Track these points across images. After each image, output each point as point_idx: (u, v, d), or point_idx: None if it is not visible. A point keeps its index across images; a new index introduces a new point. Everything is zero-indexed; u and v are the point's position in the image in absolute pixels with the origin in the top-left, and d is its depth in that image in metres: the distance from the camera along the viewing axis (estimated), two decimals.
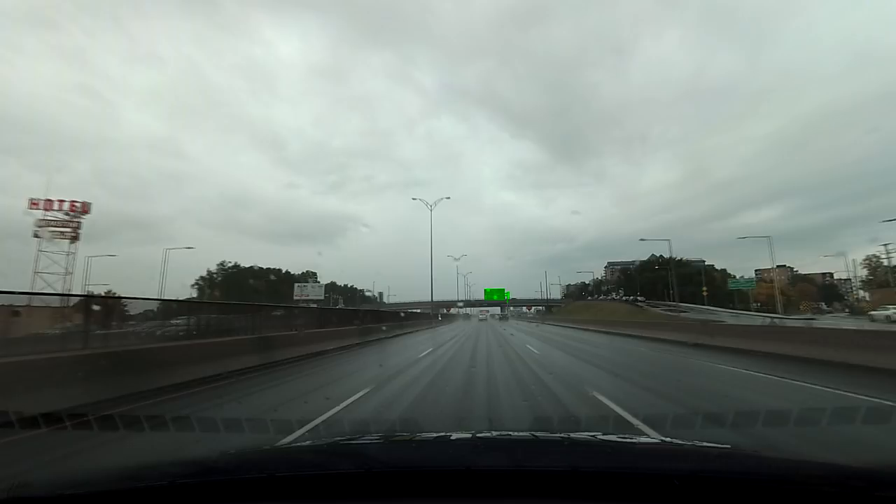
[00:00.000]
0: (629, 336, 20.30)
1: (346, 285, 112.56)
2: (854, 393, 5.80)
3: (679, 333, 16.30)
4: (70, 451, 3.61)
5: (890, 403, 5.11)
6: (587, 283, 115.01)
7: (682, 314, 51.80)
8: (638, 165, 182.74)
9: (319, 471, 0.99)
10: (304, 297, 55.21)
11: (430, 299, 56.00)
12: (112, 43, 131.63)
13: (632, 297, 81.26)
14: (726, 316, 47.23)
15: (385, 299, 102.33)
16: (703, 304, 58.99)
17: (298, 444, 1.97)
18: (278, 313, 16.86)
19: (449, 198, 43.68)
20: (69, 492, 0.89)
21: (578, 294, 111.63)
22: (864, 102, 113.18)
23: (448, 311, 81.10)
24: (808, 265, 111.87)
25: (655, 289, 78.37)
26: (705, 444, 1.23)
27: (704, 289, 59.53)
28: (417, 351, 13.67)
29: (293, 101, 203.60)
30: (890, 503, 0.86)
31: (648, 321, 31.73)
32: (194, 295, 65.72)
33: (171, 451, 3.47)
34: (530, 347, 14.59)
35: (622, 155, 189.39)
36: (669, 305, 63.15)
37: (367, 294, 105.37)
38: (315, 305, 42.85)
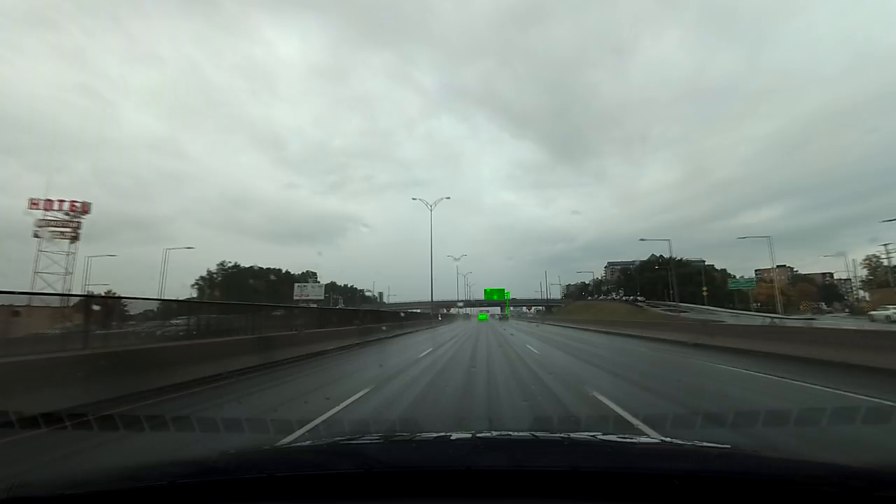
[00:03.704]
0: (629, 336, 20.18)
1: (346, 285, 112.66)
2: (854, 393, 5.80)
3: (679, 333, 16.28)
4: (70, 452, 3.62)
5: (890, 403, 5.11)
6: (587, 283, 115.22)
7: (682, 314, 51.65)
8: (638, 165, 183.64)
9: (319, 471, 0.99)
10: (303, 297, 54.66)
11: (430, 299, 55.81)
12: (112, 43, 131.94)
13: (632, 297, 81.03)
14: (726, 316, 47.19)
15: (385, 299, 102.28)
16: (704, 304, 58.83)
17: (298, 444, 1.98)
18: (278, 313, 16.88)
19: (449, 198, 42.46)
20: (69, 492, 0.89)
21: (578, 294, 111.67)
22: (865, 102, 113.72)
23: (448, 311, 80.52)
24: (808, 265, 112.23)
25: (655, 289, 78.20)
26: (705, 444, 1.24)
27: (704, 289, 59.42)
28: (417, 351, 13.68)
29: (293, 101, 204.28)
30: (890, 503, 0.86)
31: (648, 321, 31.49)
32: (194, 295, 65.60)
33: (171, 451, 3.47)
34: (530, 347, 14.60)
35: (622, 155, 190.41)
36: (669, 305, 62.87)
37: (368, 294, 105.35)
38: (315, 305, 42.56)
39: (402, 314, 34.69)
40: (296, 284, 65.72)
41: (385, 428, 4.36)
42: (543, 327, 37.76)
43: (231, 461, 1.14)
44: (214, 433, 3.92)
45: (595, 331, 26.75)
